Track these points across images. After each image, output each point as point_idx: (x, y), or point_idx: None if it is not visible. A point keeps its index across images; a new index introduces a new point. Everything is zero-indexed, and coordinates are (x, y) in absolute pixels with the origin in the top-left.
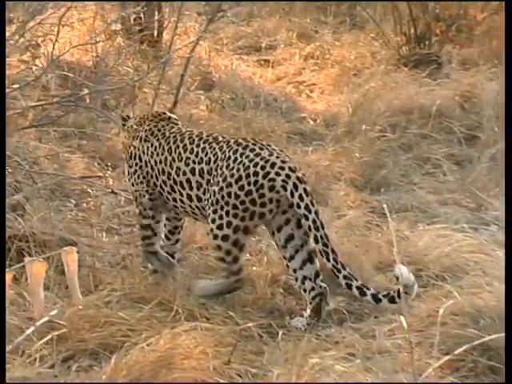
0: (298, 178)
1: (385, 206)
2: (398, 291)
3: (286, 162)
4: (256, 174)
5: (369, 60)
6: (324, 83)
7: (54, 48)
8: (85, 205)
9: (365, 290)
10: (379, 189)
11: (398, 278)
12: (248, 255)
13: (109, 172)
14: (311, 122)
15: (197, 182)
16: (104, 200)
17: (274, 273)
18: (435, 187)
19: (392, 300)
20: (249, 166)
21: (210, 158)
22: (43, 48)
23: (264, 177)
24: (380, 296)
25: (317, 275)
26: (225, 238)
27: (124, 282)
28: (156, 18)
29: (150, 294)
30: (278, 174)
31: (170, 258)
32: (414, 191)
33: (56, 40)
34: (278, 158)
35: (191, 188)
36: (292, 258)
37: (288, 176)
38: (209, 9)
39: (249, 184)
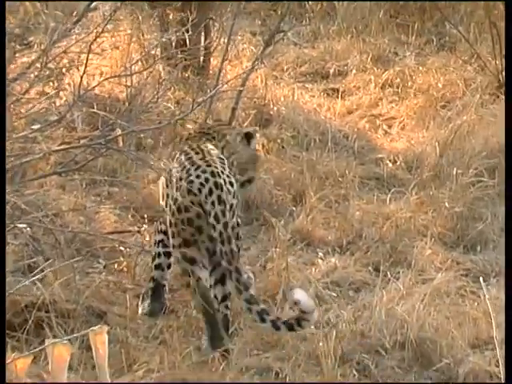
0: (215, 183)
1: (481, 279)
2: (298, 319)
3: (211, 165)
4: (181, 178)
5: (461, 88)
6: (405, 117)
7: (81, 80)
8: (116, 266)
9: (264, 316)
10: (474, 247)
11: (296, 303)
12: (313, 327)
13: (145, 226)
14: (390, 165)
15: (162, 193)
16: (139, 260)
17: (346, 350)
18: None
19: (291, 328)
20: (178, 171)
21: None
22: (68, 78)
23: (186, 179)
24: (279, 323)
25: (223, 299)
26: (179, 262)
27: (163, 360)
28: (202, 40)
29: (195, 376)
30: (198, 176)
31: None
32: None
33: (84, 71)
34: (205, 161)
35: (163, 197)
36: (211, 272)
37: (207, 179)
38: (265, 29)
39: (176, 189)
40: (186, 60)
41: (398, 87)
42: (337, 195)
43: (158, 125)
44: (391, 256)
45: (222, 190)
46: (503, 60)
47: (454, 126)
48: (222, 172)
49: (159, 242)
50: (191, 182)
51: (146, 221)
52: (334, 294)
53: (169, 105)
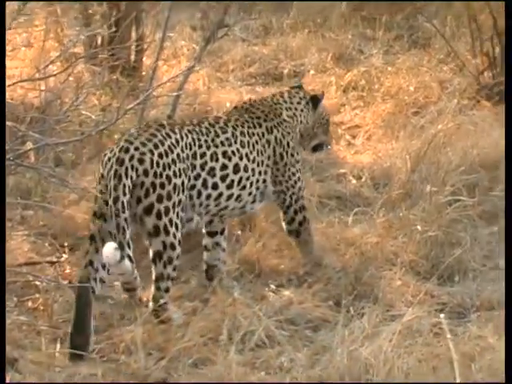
0: (118, 158)
1: (442, 318)
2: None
3: (128, 140)
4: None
5: (436, 92)
6: (372, 125)
7: None
8: (30, 304)
9: None
10: (451, 277)
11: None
12: (263, 373)
13: (65, 256)
14: (353, 181)
15: None
16: (58, 296)
17: None
18: None
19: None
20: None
21: None
22: None
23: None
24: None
25: (155, 280)
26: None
27: None
28: (133, 36)
29: None
30: (111, 150)
31: None
32: (502, 280)
33: None
34: (130, 136)
35: None
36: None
37: (114, 154)
38: (207, 22)
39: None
40: (113, 59)
41: (363, 90)
42: None
43: (79, 136)
44: (355, 288)
45: (120, 165)
46: (484, 58)
47: (428, 136)
48: (136, 148)
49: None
50: (105, 155)
51: (66, 250)
52: (288, 334)
53: (91, 115)
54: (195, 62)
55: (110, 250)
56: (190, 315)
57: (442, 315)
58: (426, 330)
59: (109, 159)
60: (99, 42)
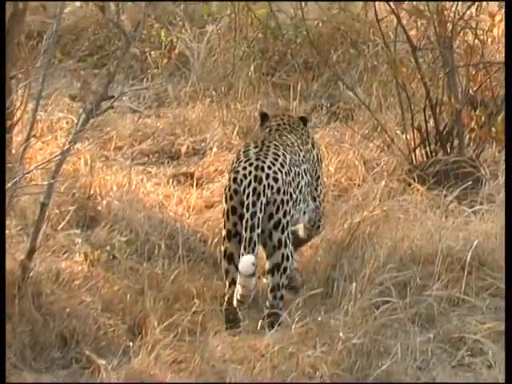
0: (255, 176)
1: None
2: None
3: (260, 159)
4: (232, 169)
5: (360, 172)
6: None
7: None
8: None
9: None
10: None
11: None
12: None
13: None
14: (265, 280)
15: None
16: None
17: None
18: None
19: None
20: (234, 162)
21: None
22: None
23: (233, 170)
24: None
25: (272, 289)
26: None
27: None
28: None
29: None
30: (244, 168)
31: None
32: None
33: None
34: (258, 155)
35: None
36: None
37: (250, 172)
38: (88, 93)
39: (228, 180)
40: None
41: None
42: (191, 323)
43: None
44: None
45: (259, 184)
46: (417, 133)
47: (352, 225)
48: (269, 167)
49: None
50: (237, 172)
51: None
52: None
53: None
54: (71, 143)
55: (248, 262)
56: None
57: None
58: None
59: (244, 176)
60: None
